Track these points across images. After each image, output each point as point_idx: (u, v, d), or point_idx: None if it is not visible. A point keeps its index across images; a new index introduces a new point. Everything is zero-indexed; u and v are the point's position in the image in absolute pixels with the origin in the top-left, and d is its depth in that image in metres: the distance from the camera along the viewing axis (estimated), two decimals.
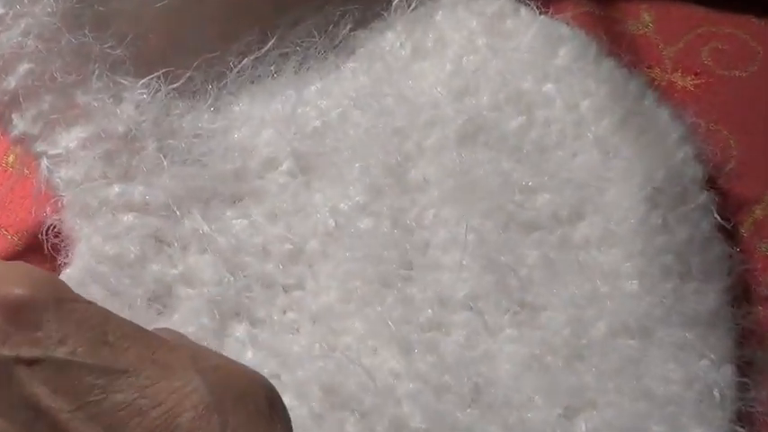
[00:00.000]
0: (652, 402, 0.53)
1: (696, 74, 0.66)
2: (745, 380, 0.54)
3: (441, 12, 0.65)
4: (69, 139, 0.56)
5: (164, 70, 0.57)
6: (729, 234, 0.59)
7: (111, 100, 0.57)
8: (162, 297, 0.55)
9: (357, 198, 0.58)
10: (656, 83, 0.65)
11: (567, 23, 0.63)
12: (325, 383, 0.52)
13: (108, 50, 0.56)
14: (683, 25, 0.68)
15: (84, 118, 0.56)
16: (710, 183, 0.60)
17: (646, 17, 0.69)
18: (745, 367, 0.55)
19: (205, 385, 0.40)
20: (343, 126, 0.60)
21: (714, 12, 0.68)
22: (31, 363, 0.40)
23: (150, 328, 0.43)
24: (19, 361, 0.40)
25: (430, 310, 0.55)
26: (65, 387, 0.40)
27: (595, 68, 0.62)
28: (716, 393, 0.53)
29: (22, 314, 0.41)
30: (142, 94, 0.57)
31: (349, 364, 0.52)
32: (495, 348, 0.54)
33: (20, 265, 0.44)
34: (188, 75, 0.59)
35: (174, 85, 0.58)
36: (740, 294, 0.57)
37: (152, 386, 0.40)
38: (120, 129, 0.56)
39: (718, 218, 0.58)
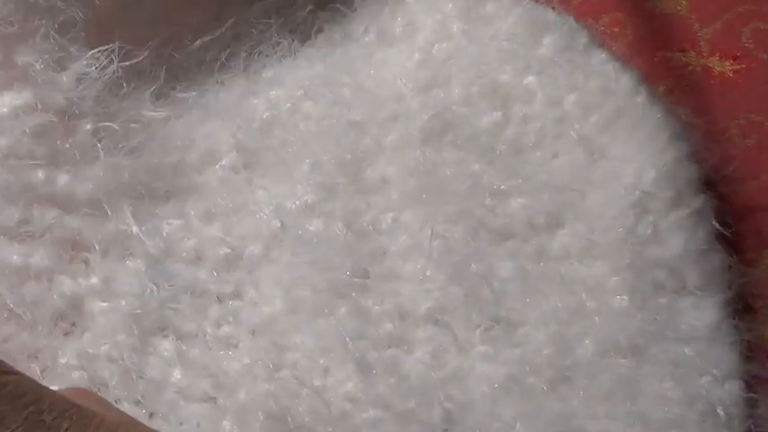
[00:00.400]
0: (649, 427, 0.52)
1: (735, 58, 0.65)
2: (753, 395, 0.53)
3: None
4: (1, 103, 0.55)
5: (118, 44, 0.56)
6: (729, 242, 0.57)
7: (54, 66, 0.55)
8: (70, 314, 0.54)
9: (306, 197, 0.56)
10: (690, 68, 0.64)
11: (554, 8, 0.62)
12: (271, 409, 0.51)
13: (59, 5, 0.55)
14: (721, 3, 0.67)
15: (20, 81, 0.54)
16: (708, 186, 0.59)
17: None
18: (753, 383, 0.54)
19: None
20: (294, 118, 0.59)
21: None
22: None
23: (57, 351, 0.48)
24: None
25: (389, 324, 0.54)
26: None
27: (584, 60, 0.61)
28: (720, 412, 0.52)
29: None
30: (90, 65, 0.55)
31: (298, 387, 0.51)
32: (466, 367, 0.53)
33: None
34: (144, 56, 0.57)
35: (125, 63, 0.56)
36: (745, 306, 0.57)
37: None
38: (60, 101, 0.55)
39: (717, 225, 0.57)
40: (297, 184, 0.57)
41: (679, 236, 0.56)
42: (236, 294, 0.53)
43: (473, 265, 0.55)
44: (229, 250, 0.54)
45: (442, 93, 0.60)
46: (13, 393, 0.41)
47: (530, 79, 0.60)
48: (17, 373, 0.43)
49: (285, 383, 0.50)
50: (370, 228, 0.56)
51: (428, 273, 0.55)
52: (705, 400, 0.52)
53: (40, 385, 0.43)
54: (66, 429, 0.42)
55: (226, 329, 0.53)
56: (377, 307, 0.54)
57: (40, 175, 0.54)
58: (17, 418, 0.41)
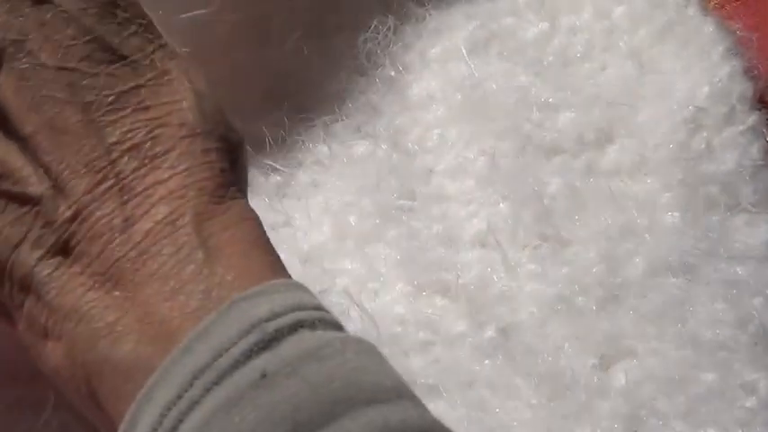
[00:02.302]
0: (700, 348, 0.52)
1: None
2: None
3: None
4: None
5: None
6: None
7: None
8: None
9: (351, 117, 0.58)
10: None
11: None
12: None
13: None
14: None
15: None
16: (762, 102, 0.59)
17: None
18: None
19: (197, 109, 0.42)
20: None
21: None
22: (42, 0, 0.41)
23: None
24: None
25: (438, 247, 0.54)
26: (63, 40, 0.41)
27: None
28: None
29: None
30: None
31: (348, 309, 0.51)
32: (514, 287, 0.54)
33: None
34: None
35: None
36: None
37: (147, 87, 0.41)
38: None
39: None
40: (342, 104, 0.58)
41: (732, 152, 0.56)
42: (287, 222, 0.53)
43: (520, 183, 0.55)
44: (279, 178, 0.55)
45: (487, 2, 0.60)
46: None
47: None
48: None
49: (335, 307, 0.49)
50: (416, 147, 0.57)
51: (475, 192, 0.55)
52: (757, 321, 0.53)
53: None
54: (133, 33, 0.42)
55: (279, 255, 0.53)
56: (425, 230, 0.54)
57: None
58: (71, 62, 0.42)
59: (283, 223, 0.54)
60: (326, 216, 0.55)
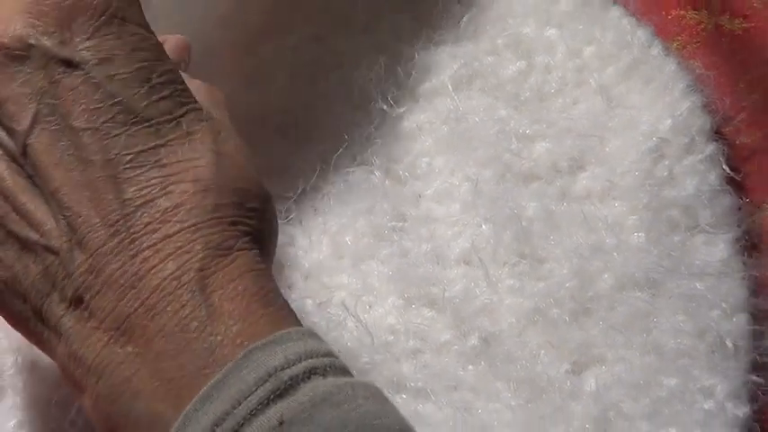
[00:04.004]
0: (663, 356, 0.53)
1: (745, 17, 0.64)
2: (759, 328, 0.55)
3: None
4: None
5: None
6: (738, 185, 0.59)
7: None
8: None
9: (347, 146, 0.58)
10: (702, 26, 0.64)
11: None
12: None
13: None
14: None
15: None
16: (719, 133, 0.60)
17: None
18: (759, 316, 0.55)
19: (214, 167, 0.42)
20: None
21: None
22: (73, 67, 0.41)
23: None
24: (65, 61, 0.41)
25: (427, 264, 0.55)
26: (90, 104, 0.41)
27: (601, 15, 0.62)
28: (729, 343, 0.53)
29: (86, 20, 0.42)
30: None
31: (345, 320, 0.52)
32: (495, 301, 0.54)
33: None
34: None
35: None
36: (752, 244, 0.58)
37: (166, 147, 0.42)
38: None
39: (727, 169, 0.58)
40: (340, 135, 0.58)
41: (692, 178, 0.57)
42: (290, 243, 0.54)
43: (501, 206, 0.56)
44: (283, 204, 0.55)
45: (470, 43, 0.60)
46: (136, 46, 0.43)
47: (551, 32, 0.61)
48: (150, 31, 0.44)
49: (333, 318, 0.52)
50: (406, 174, 0.57)
51: (460, 215, 0.56)
52: (715, 332, 0.53)
53: (164, 52, 0.44)
54: (164, 97, 0.43)
55: (283, 272, 0.54)
56: (415, 248, 0.55)
57: None
58: (127, 66, 0.42)
59: (287, 243, 0.55)
60: (325, 236, 0.55)
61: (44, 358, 0.48)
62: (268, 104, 0.59)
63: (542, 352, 0.53)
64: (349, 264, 0.55)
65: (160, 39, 0.47)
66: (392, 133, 0.59)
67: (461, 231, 0.56)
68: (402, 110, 0.59)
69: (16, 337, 0.49)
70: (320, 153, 0.58)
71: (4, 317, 0.44)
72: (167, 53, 0.47)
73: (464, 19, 0.61)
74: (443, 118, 0.59)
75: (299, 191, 0.56)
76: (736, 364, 0.53)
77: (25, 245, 0.41)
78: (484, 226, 0.56)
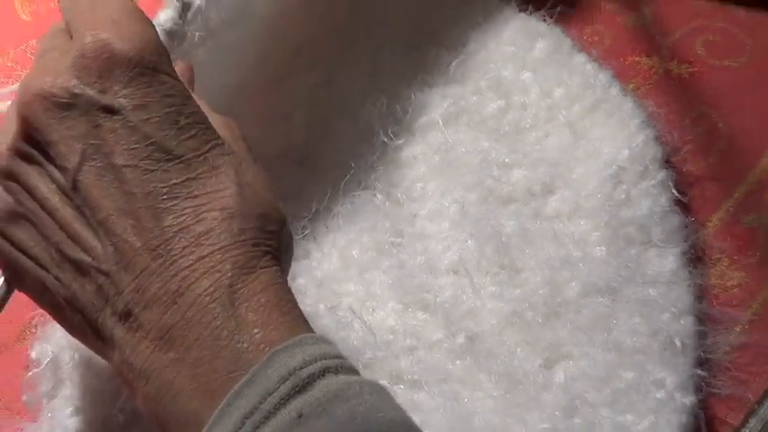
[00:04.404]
0: (621, 352, 0.53)
1: (690, 62, 0.65)
2: (703, 329, 0.55)
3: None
4: None
5: None
6: (685, 206, 0.59)
7: None
8: None
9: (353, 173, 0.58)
10: (654, 70, 0.64)
11: (545, 20, 0.63)
12: (330, 338, 0.51)
13: None
14: (678, 19, 0.67)
15: None
16: (669, 162, 0.60)
17: (645, 11, 0.67)
18: (703, 318, 0.56)
19: (238, 196, 0.42)
20: None
21: (707, 6, 0.67)
22: (113, 113, 0.42)
23: None
24: (105, 107, 0.42)
25: (421, 274, 0.55)
26: (129, 144, 0.42)
27: (569, 61, 0.62)
28: (677, 342, 0.54)
29: (123, 71, 0.42)
30: None
31: (351, 321, 0.53)
32: (479, 305, 0.55)
33: (137, 18, 0.44)
34: None
35: None
36: (697, 257, 0.58)
37: (196, 180, 0.42)
38: None
39: (676, 192, 0.58)
40: (347, 164, 0.58)
41: (646, 200, 0.57)
42: (305, 256, 0.55)
43: (484, 225, 0.56)
44: (299, 223, 0.56)
45: (458, 86, 0.61)
46: (166, 93, 0.43)
47: (526, 75, 0.61)
48: (177, 79, 0.44)
49: (341, 320, 0.52)
50: (404, 197, 0.58)
51: (449, 232, 0.56)
52: (666, 332, 0.54)
53: (190, 95, 0.44)
54: (191, 136, 0.42)
55: (300, 281, 0.54)
56: (411, 261, 0.56)
57: None
58: (158, 111, 0.42)
59: (302, 256, 0.55)
60: (335, 250, 0.56)
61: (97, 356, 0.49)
62: (288, 138, 0.59)
63: (519, 349, 0.53)
64: (355, 273, 0.55)
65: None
66: (392, 162, 0.59)
67: (450, 246, 0.56)
68: (400, 142, 0.59)
69: None
70: (331, 179, 0.58)
71: (66, 329, 0.44)
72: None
73: (452, 65, 0.61)
74: (435, 149, 0.59)
75: (313, 211, 0.56)
76: (684, 360, 0.53)
77: (80, 267, 0.42)
78: (469, 241, 0.56)
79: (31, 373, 0.53)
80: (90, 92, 0.41)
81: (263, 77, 0.58)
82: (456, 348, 0.53)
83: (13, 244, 0.43)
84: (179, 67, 0.50)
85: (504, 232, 0.57)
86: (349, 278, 0.55)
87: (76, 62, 0.42)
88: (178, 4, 0.51)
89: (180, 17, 0.51)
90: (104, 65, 0.42)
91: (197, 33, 0.52)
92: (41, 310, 0.50)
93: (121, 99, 0.42)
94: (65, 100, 0.41)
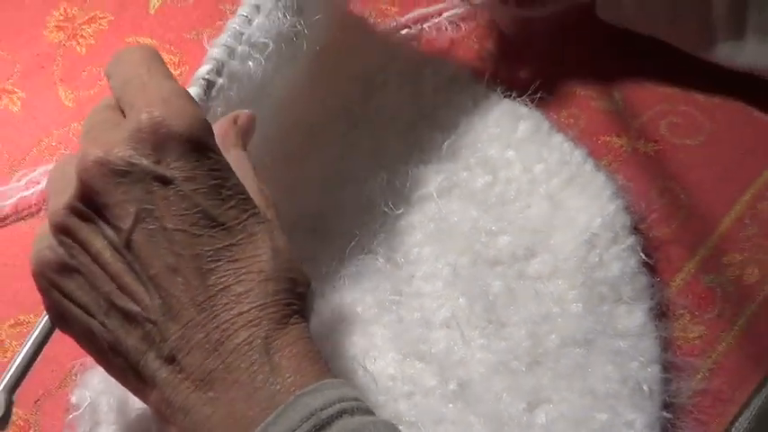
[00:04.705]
0: (596, 397, 0.54)
1: (656, 141, 0.66)
2: (668, 376, 0.56)
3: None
4: None
5: None
6: (651, 268, 0.60)
7: None
8: None
9: (358, 241, 0.59)
10: (624, 148, 0.66)
11: (527, 104, 0.64)
12: None
13: None
14: (645, 104, 0.68)
15: None
16: (637, 229, 0.61)
17: (616, 96, 0.68)
18: (668, 367, 0.56)
19: (273, 261, 0.44)
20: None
21: (670, 91, 0.68)
22: (166, 183, 0.43)
23: None
24: (159, 177, 0.43)
25: (418, 328, 0.56)
26: (179, 211, 0.43)
27: (548, 140, 0.63)
28: (645, 388, 0.54)
29: (175, 146, 0.43)
30: None
31: (356, 369, 0.53)
32: (469, 355, 0.55)
33: (186, 99, 0.45)
34: None
35: None
36: (662, 312, 0.59)
37: (237, 245, 0.43)
38: None
39: (643, 255, 0.59)
40: (352, 232, 0.59)
41: (617, 263, 0.58)
42: (316, 313, 0.53)
43: (473, 284, 0.57)
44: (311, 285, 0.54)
45: (450, 162, 0.63)
46: (212, 168, 0.44)
47: (510, 153, 0.63)
48: (221, 156, 0.45)
49: (347, 366, 0.53)
50: (403, 260, 0.59)
51: (443, 291, 0.57)
52: (635, 379, 0.54)
53: (232, 171, 0.45)
54: (232, 206, 0.44)
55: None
56: (408, 317, 0.56)
57: None
58: (205, 183, 0.43)
59: (313, 313, 0.52)
60: (342, 307, 0.56)
61: (130, 401, 0.52)
62: (302, 209, 0.59)
63: (504, 394, 0.53)
64: (360, 328, 0.56)
65: (234, 114, 0.51)
66: (392, 230, 0.60)
67: (443, 303, 0.57)
68: (399, 212, 0.60)
69: (110, 382, 0.51)
70: (338, 245, 0.58)
71: (106, 370, 0.46)
72: (240, 128, 0.50)
73: (445, 144, 0.62)
74: (430, 218, 0.60)
75: (323, 274, 0.57)
76: (652, 404, 0.54)
77: (128, 315, 0.43)
78: (461, 299, 0.57)
79: (71, 416, 0.54)
80: (145, 162, 0.42)
81: (279, 153, 0.59)
82: (449, 394, 0.53)
83: (62, 292, 0.44)
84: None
85: (492, 291, 0.57)
86: (354, 332, 0.56)
87: (133, 135, 0.43)
88: (203, 83, 0.52)
89: (204, 93, 0.52)
90: (159, 139, 0.43)
91: (219, 109, 0.53)
92: (81, 361, 0.54)
93: (173, 170, 0.43)
94: (122, 168, 0.42)
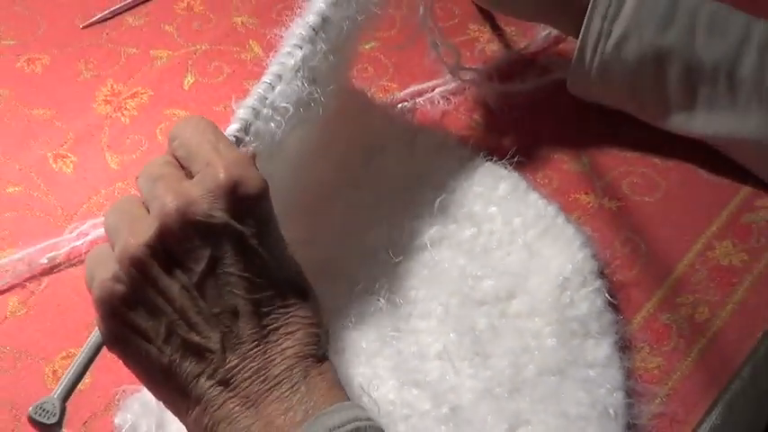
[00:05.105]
0: (568, 419, 0.54)
1: (619, 198, 0.66)
2: (630, 401, 0.56)
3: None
4: None
5: None
6: (615, 307, 0.60)
7: None
8: None
9: (363, 284, 0.59)
10: (591, 204, 0.66)
11: (506, 167, 0.65)
12: None
13: None
14: (609, 166, 0.68)
15: None
16: (603, 273, 0.61)
17: (584, 159, 0.69)
18: (631, 393, 0.56)
19: (311, 311, 0.45)
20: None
21: (631, 155, 0.69)
22: (239, 237, 0.44)
23: None
24: (232, 230, 0.44)
25: (414, 360, 0.57)
26: (245, 261, 0.44)
27: (525, 197, 0.64)
28: (611, 411, 0.55)
29: (249, 205, 0.44)
30: None
31: (361, 396, 0.53)
32: (459, 383, 0.56)
33: (254, 165, 0.46)
34: None
35: None
36: (625, 345, 0.59)
37: (290, 306, 0.45)
38: None
39: (608, 296, 0.59)
40: (359, 276, 0.59)
41: (585, 303, 0.59)
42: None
43: (462, 322, 0.58)
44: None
45: (441, 216, 0.63)
46: (271, 223, 0.45)
47: (492, 209, 0.63)
48: (275, 218, 0.45)
49: (354, 394, 0.52)
50: (401, 301, 0.59)
51: (436, 328, 0.58)
52: (602, 403, 0.54)
53: (281, 234, 0.45)
54: (285, 267, 0.45)
55: None
56: (406, 350, 0.57)
57: None
58: (270, 236, 0.45)
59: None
60: (348, 342, 0.57)
61: (165, 423, 0.52)
62: (313, 255, 0.56)
63: (489, 417, 0.54)
64: (364, 359, 0.56)
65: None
66: (392, 275, 0.60)
67: (437, 338, 0.57)
68: (398, 259, 0.60)
69: (147, 407, 0.53)
70: (345, 288, 0.59)
71: (151, 389, 0.46)
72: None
73: (436, 201, 0.63)
74: (424, 264, 0.60)
75: (333, 313, 0.57)
76: (616, 425, 0.54)
77: (187, 344, 0.44)
78: (451, 334, 0.57)
79: None
80: (223, 216, 0.43)
81: (293, 206, 0.57)
82: (441, 416, 0.53)
83: (122, 319, 0.44)
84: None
85: (478, 328, 0.57)
86: (359, 363, 0.56)
87: (213, 191, 0.44)
88: (233, 139, 0.52)
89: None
90: (236, 198, 0.44)
91: None
92: (123, 388, 0.54)
93: (245, 226, 0.44)
94: (201, 219, 0.43)
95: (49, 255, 0.62)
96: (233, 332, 0.43)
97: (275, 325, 0.44)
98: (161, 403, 0.47)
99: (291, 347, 0.44)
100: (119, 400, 0.55)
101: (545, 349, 0.57)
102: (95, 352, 0.47)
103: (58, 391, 0.46)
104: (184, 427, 0.46)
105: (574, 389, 0.55)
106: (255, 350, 0.44)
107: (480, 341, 0.57)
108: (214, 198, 0.44)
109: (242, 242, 0.44)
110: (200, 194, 0.44)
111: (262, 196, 0.45)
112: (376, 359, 0.56)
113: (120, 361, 0.46)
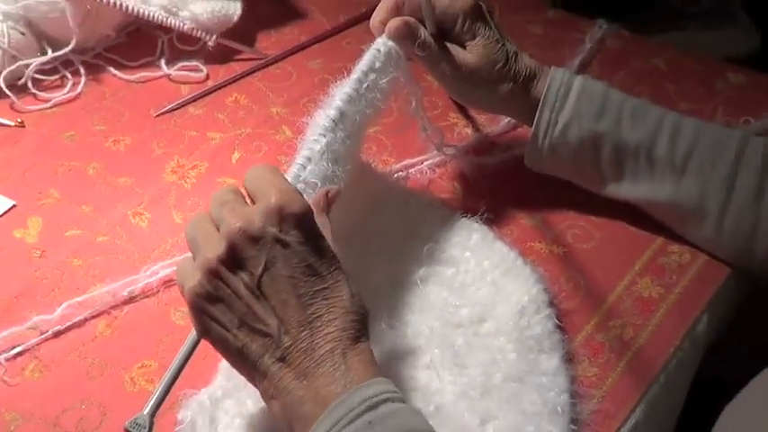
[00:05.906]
0: (526, 416, 0.55)
1: (565, 245, 0.66)
2: (574, 401, 0.57)
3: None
4: None
5: None
6: (562, 328, 0.61)
7: None
8: None
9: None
10: (544, 251, 0.67)
11: (478, 221, 0.65)
12: None
13: None
14: (557, 221, 0.68)
15: None
16: (552, 303, 0.62)
17: (538, 216, 0.69)
18: (574, 395, 0.57)
19: (350, 300, 0.47)
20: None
21: (574, 213, 0.69)
22: (286, 246, 0.46)
23: None
24: (281, 241, 0.45)
25: (409, 370, 0.57)
26: (292, 264, 0.45)
27: (492, 245, 0.64)
28: (559, 409, 0.55)
29: (293, 221, 0.46)
30: None
31: None
32: (441, 388, 0.56)
33: (298, 192, 0.47)
34: None
35: None
36: (570, 358, 0.59)
37: (328, 288, 0.46)
38: None
39: (557, 320, 0.60)
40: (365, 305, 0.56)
41: (539, 326, 0.59)
42: None
43: (444, 341, 0.58)
44: None
45: (427, 260, 0.63)
46: (314, 234, 0.45)
47: (467, 253, 0.64)
48: (318, 229, 0.46)
49: None
50: (397, 324, 0.59)
51: (425, 347, 0.58)
52: (552, 403, 0.55)
53: (324, 237, 0.46)
54: (325, 261, 0.45)
55: None
56: (402, 362, 0.57)
57: None
58: (312, 244, 0.45)
59: None
60: None
61: (218, 418, 0.53)
62: None
63: (466, 413, 0.54)
64: None
65: (326, 188, 0.52)
66: (391, 305, 0.60)
67: (425, 353, 0.57)
68: (396, 293, 0.60)
69: (204, 405, 0.53)
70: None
71: (233, 365, 0.47)
72: (330, 199, 0.51)
73: (425, 248, 0.63)
74: (416, 296, 0.61)
75: None
76: (564, 420, 0.55)
77: (253, 330, 0.45)
78: (436, 350, 0.57)
79: (177, 429, 0.54)
80: (273, 231, 0.45)
81: None
82: (429, 413, 0.54)
83: (207, 314, 0.46)
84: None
85: (457, 344, 0.58)
86: None
87: (265, 212, 0.45)
88: None
89: None
90: (283, 216, 0.45)
91: None
92: (184, 391, 0.54)
93: (291, 237, 0.45)
94: (257, 234, 0.45)
95: (129, 289, 0.63)
96: (286, 320, 0.45)
97: (319, 313, 0.45)
98: (214, 402, 0.50)
99: (332, 332, 0.45)
100: (181, 401, 0.55)
101: (508, 361, 0.57)
102: (192, 348, 0.48)
103: (149, 407, 0.48)
104: (258, 392, 0.47)
105: (530, 392, 0.56)
106: (303, 334, 0.45)
107: (459, 355, 0.58)
108: (267, 217, 0.45)
109: (289, 250, 0.45)
110: (257, 215, 0.45)
111: (304, 214, 0.46)
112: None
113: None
